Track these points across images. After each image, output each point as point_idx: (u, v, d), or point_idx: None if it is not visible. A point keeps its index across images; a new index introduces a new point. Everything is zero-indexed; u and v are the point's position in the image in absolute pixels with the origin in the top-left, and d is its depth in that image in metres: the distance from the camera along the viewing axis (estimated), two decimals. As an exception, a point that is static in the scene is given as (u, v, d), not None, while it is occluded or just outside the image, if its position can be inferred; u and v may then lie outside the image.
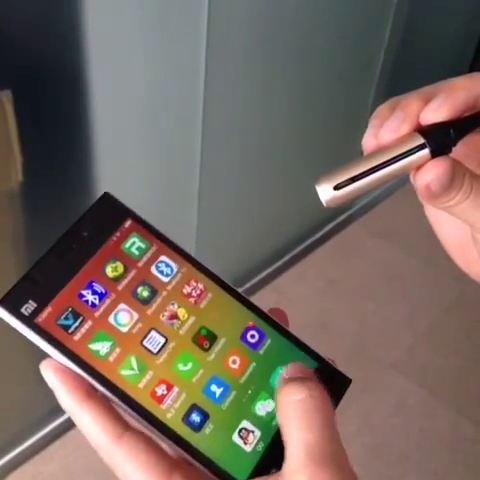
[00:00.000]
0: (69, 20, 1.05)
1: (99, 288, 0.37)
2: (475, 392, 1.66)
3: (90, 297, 0.36)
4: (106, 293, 0.37)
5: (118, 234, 0.38)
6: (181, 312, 0.38)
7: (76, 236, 0.37)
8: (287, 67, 1.57)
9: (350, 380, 0.38)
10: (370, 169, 0.33)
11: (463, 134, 0.33)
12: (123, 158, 1.29)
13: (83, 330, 0.36)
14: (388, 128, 0.33)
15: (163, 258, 0.39)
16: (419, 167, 0.33)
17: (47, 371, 0.34)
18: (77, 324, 0.36)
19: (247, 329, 0.39)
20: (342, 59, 1.73)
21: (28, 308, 0.34)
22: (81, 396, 0.33)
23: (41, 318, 0.35)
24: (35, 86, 1.07)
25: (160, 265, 0.39)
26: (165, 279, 0.39)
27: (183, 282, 0.39)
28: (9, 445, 1.42)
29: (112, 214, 0.39)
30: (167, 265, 0.39)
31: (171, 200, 1.47)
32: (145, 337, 0.37)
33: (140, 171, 1.34)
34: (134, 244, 0.39)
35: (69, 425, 1.49)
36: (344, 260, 1.94)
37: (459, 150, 0.35)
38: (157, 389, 0.36)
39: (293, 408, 0.32)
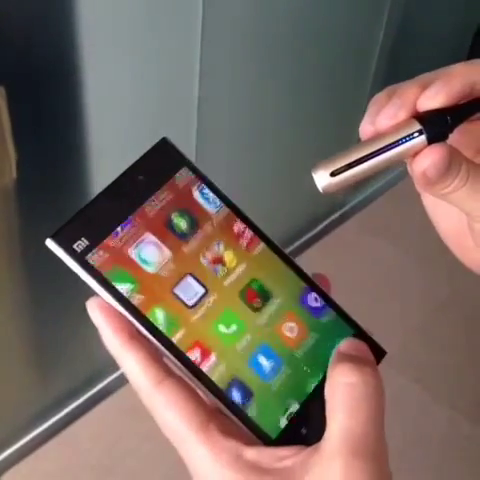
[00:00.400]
0: (63, 17, 1.05)
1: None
2: (470, 388, 1.67)
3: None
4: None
5: (172, 181, 0.36)
6: (228, 256, 0.34)
7: (132, 178, 0.35)
8: (282, 65, 1.56)
9: (385, 352, 0.36)
10: (367, 155, 0.33)
11: (460, 121, 0.33)
12: (118, 156, 1.29)
13: None
14: (385, 115, 0.33)
15: (210, 192, 0.36)
16: (416, 154, 0.33)
17: (93, 309, 0.34)
18: None
19: (307, 291, 0.35)
20: (337, 55, 1.73)
21: (80, 245, 0.33)
22: (125, 337, 0.33)
23: (92, 256, 0.33)
24: (29, 83, 1.07)
25: (205, 192, 0.36)
26: (211, 209, 0.36)
27: (232, 219, 0.35)
28: (4, 443, 1.42)
29: (169, 160, 0.37)
30: (214, 196, 0.36)
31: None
32: (177, 284, 0.34)
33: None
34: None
35: (64, 423, 1.49)
36: (338, 258, 1.94)
37: (456, 138, 0.35)
38: (189, 354, 0.33)
39: (342, 391, 0.31)
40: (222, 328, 0.32)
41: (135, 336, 0.33)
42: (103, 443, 1.49)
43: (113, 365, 1.36)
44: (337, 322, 0.36)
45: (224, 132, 1.51)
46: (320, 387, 0.33)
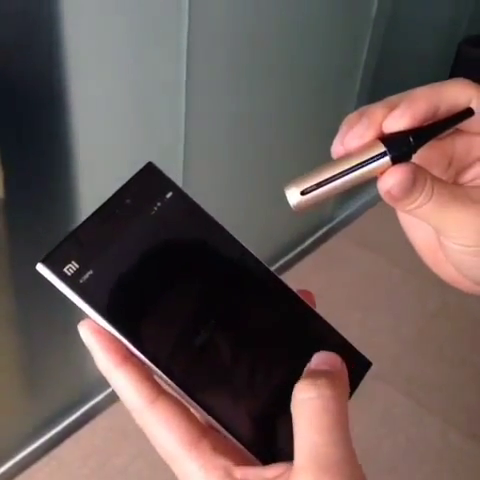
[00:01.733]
0: (49, 37, 1.05)
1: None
2: (462, 400, 1.67)
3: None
4: None
5: (159, 205, 0.38)
6: None
7: (119, 202, 0.37)
8: (268, 84, 1.57)
9: (370, 363, 0.38)
10: (335, 175, 0.34)
11: (423, 142, 0.34)
12: (105, 173, 1.28)
13: None
14: (353, 134, 0.35)
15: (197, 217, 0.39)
16: (382, 172, 0.34)
17: (85, 332, 0.35)
18: None
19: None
20: (324, 69, 1.74)
21: (70, 268, 0.34)
22: (118, 358, 0.34)
23: (83, 279, 0.35)
24: (15, 101, 1.06)
25: (193, 216, 0.39)
26: (198, 233, 0.39)
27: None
28: (-7, 464, 1.41)
29: (154, 184, 0.38)
30: (202, 221, 0.39)
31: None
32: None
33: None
34: None
35: (54, 443, 1.48)
36: (328, 271, 1.94)
37: (425, 155, 0.36)
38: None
39: (303, 406, 0.32)
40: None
41: (127, 357, 0.34)
42: (93, 462, 1.47)
43: (103, 384, 1.34)
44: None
45: (211, 147, 1.52)
46: None
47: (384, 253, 2.05)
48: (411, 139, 0.34)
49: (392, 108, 0.34)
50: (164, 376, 0.34)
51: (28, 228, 1.20)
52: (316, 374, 0.33)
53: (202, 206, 0.39)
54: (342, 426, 0.32)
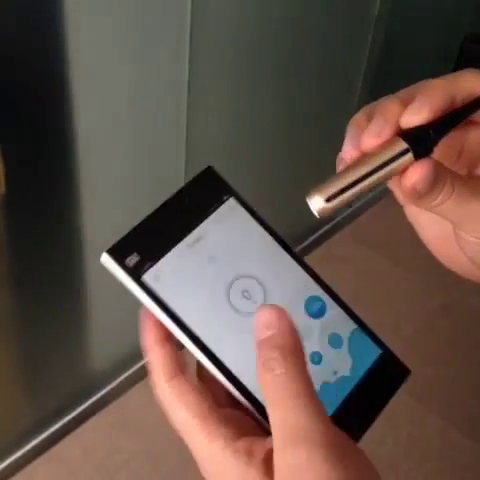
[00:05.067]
0: (52, 33, 1.05)
1: None
2: (462, 399, 1.66)
3: None
4: None
5: (217, 206, 0.39)
6: None
7: (179, 202, 0.39)
8: (271, 78, 1.57)
9: (409, 371, 0.39)
10: (359, 178, 0.33)
11: (443, 135, 0.34)
12: (106, 170, 1.28)
13: None
14: (370, 133, 0.34)
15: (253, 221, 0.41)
16: (403, 170, 0.33)
17: (144, 319, 0.37)
18: None
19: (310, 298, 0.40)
20: (326, 67, 1.74)
21: (132, 260, 0.37)
22: (158, 335, 0.37)
23: (142, 271, 0.37)
24: (16, 98, 1.06)
25: (249, 221, 0.41)
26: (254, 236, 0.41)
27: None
28: (-7, 460, 1.41)
29: (213, 187, 0.40)
30: (258, 225, 0.41)
31: (156, 202, 1.46)
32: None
33: (124, 183, 1.34)
34: None
35: (54, 439, 1.48)
36: (329, 270, 1.92)
37: (436, 150, 0.36)
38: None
39: (264, 388, 0.33)
40: None
41: (162, 340, 0.37)
42: (94, 459, 1.48)
43: (103, 380, 1.35)
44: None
45: (213, 146, 1.52)
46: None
47: (386, 251, 2.05)
48: (431, 133, 0.33)
49: (406, 103, 0.34)
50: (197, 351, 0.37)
51: (29, 223, 1.20)
52: (266, 350, 0.33)
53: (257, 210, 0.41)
54: (301, 397, 0.32)
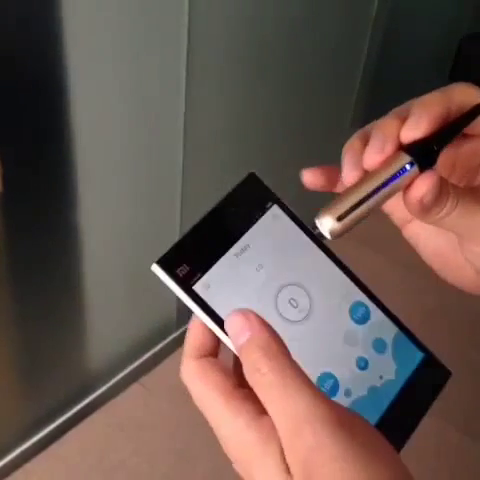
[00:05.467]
0: (49, 33, 1.05)
1: None
2: (459, 398, 1.67)
3: None
4: None
5: (261, 214, 0.40)
6: None
7: (224, 210, 0.39)
8: (269, 78, 1.57)
9: (450, 373, 0.40)
10: (367, 195, 0.34)
11: (444, 146, 0.34)
12: (104, 169, 1.28)
13: None
14: (373, 150, 0.34)
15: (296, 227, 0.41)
16: (408, 184, 0.34)
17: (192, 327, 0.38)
18: None
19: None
20: (324, 67, 1.74)
21: (182, 270, 0.37)
22: (201, 321, 0.37)
23: (192, 281, 0.37)
24: (15, 98, 1.06)
25: (292, 226, 0.41)
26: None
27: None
28: (-10, 459, 1.41)
29: (257, 194, 0.40)
30: (300, 231, 0.41)
31: (153, 200, 1.46)
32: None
33: (122, 183, 1.34)
34: None
35: (52, 438, 1.48)
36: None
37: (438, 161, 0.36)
38: None
39: (256, 390, 0.33)
40: None
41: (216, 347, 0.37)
42: (91, 458, 1.48)
43: (99, 379, 1.35)
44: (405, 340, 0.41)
45: (210, 145, 1.52)
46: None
47: (382, 250, 2.05)
48: (433, 145, 0.33)
49: (402, 119, 0.34)
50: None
51: (27, 223, 1.20)
52: (247, 354, 0.33)
53: (295, 212, 0.41)
54: (300, 379, 0.32)
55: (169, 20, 1.22)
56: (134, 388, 1.62)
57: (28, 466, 1.44)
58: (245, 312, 0.34)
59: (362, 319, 0.40)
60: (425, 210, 0.34)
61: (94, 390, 1.56)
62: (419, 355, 0.40)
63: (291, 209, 0.40)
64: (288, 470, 0.31)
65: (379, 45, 1.88)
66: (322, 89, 1.78)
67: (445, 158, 0.37)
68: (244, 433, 0.33)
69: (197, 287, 0.37)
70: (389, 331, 0.41)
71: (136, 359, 1.63)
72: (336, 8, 1.66)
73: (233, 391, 0.34)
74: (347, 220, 0.34)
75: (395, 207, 0.36)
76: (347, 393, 0.38)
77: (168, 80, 1.30)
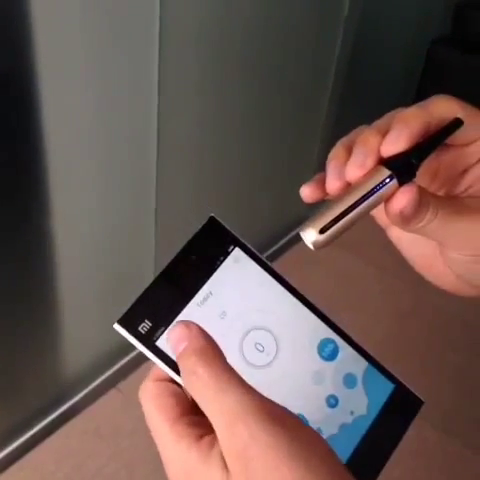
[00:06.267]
0: (18, 34, 1.04)
1: None
2: (434, 397, 1.68)
3: None
4: None
5: (222, 259, 0.39)
6: None
7: (185, 259, 0.38)
8: (239, 84, 1.57)
9: (423, 402, 0.40)
10: (349, 207, 0.34)
11: (423, 160, 0.35)
12: (76, 171, 1.27)
13: None
14: (354, 165, 0.35)
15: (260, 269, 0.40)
16: (388, 197, 0.35)
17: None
18: None
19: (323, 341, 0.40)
20: (295, 72, 1.75)
21: (144, 327, 0.37)
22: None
23: (155, 336, 0.37)
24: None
25: (257, 269, 0.41)
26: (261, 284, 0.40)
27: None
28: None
29: (217, 239, 0.39)
30: (265, 272, 0.41)
31: (127, 202, 1.46)
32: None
33: (95, 185, 1.33)
34: None
35: (27, 447, 1.46)
36: (302, 271, 1.94)
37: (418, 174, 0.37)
38: None
39: (192, 392, 0.34)
40: None
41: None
42: (68, 465, 1.46)
43: (75, 387, 1.33)
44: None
45: (184, 148, 1.51)
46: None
47: (358, 252, 2.07)
48: (413, 159, 0.34)
49: (383, 133, 0.35)
50: None
51: (1, 225, 1.18)
52: (184, 360, 0.34)
53: (261, 256, 0.40)
54: (233, 379, 0.32)
55: (140, 20, 1.22)
56: (110, 395, 1.61)
57: (3, 477, 1.42)
58: (187, 323, 0.35)
59: (331, 356, 0.40)
60: (405, 221, 0.35)
61: (71, 396, 1.54)
62: (390, 387, 0.40)
63: (253, 250, 0.40)
64: (226, 467, 0.31)
65: (351, 47, 1.89)
66: (295, 89, 1.79)
67: (427, 166, 0.38)
68: (186, 454, 0.33)
69: (160, 342, 0.37)
70: (359, 365, 0.40)
71: (113, 364, 1.62)
72: (308, 8, 1.67)
73: (180, 417, 0.35)
74: (330, 232, 0.35)
75: (378, 210, 0.37)
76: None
77: (140, 81, 1.29)
